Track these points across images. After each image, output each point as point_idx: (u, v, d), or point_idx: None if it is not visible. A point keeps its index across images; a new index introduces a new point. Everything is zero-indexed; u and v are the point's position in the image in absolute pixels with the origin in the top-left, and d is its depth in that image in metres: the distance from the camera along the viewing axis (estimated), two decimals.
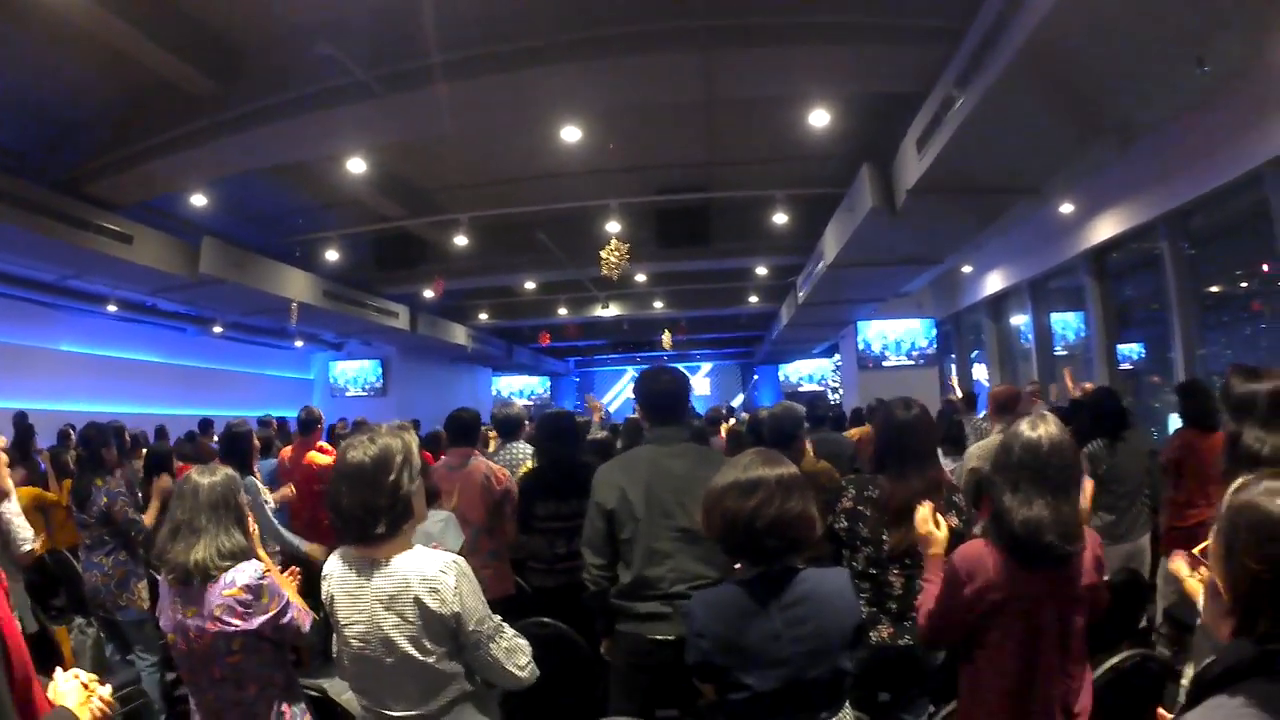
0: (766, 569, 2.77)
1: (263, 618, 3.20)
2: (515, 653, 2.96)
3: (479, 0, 7.71)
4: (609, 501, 3.97)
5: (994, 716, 2.94)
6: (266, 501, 6.61)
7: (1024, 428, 2.96)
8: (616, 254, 12.05)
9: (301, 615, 3.35)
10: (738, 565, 3.79)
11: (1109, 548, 6.05)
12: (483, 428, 7.50)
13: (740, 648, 2.71)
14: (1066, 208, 12.23)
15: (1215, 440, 3.53)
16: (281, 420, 13.64)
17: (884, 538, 3.77)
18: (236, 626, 3.16)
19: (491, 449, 7.86)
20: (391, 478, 2.82)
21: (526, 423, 7.32)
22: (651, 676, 3.87)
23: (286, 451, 8.42)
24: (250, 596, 3.19)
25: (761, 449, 2.99)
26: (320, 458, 7.78)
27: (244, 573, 3.23)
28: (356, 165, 10.79)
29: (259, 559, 3.38)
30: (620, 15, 7.77)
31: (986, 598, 2.89)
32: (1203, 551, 1.86)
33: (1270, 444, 3.18)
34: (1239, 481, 1.78)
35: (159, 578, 3.45)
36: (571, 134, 10.01)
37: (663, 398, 4.21)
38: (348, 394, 25.21)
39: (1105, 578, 3.00)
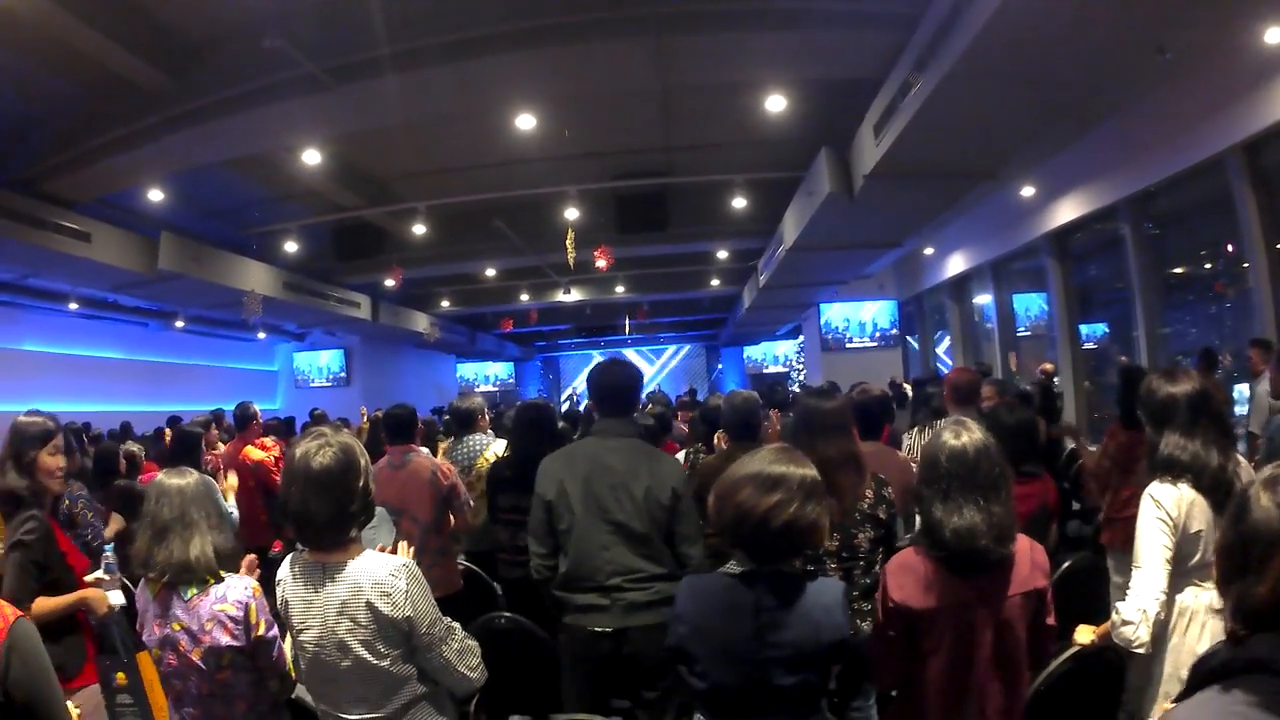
0: (759, 567, 2.70)
1: (252, 636, 3.05)
2: (467, 654, 2.95)
3: None
4: (548, 493, 3.97)
5: (926, 716, 2.90)
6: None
7: (947, 437, 2.92)
8: (571, 243, 12.09)
9: (283, 657, 3.15)
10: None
11: None
12: (421, 424, 7.36)
13: (715, 639, 2.70)
14: (1028, 190, 12.34)
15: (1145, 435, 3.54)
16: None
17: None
18: (226, 643, 3.01)
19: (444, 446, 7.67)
20: (361, 482, 2.78)
21: (482, 415, 7.22)
22: (595, 667, 3.87)
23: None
24: (241, 614, 3.04)
25: (785, 446, 2.90)
26: (255, 452, 7.73)
27: (235, 589, 3.09)
28: (312, 157, 10.71)
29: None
30: (569, 3, 7.72)
31: (914, 607, 2.84)
32: None
33: (1190, 450, 3.19)
34: None
35: (135, 590, 3.30)
36: (526, 121, 9.93)
37: (609, 390, 4.21)
38: (312, 384, 25.17)
39: (1047, 583, 2.94)
